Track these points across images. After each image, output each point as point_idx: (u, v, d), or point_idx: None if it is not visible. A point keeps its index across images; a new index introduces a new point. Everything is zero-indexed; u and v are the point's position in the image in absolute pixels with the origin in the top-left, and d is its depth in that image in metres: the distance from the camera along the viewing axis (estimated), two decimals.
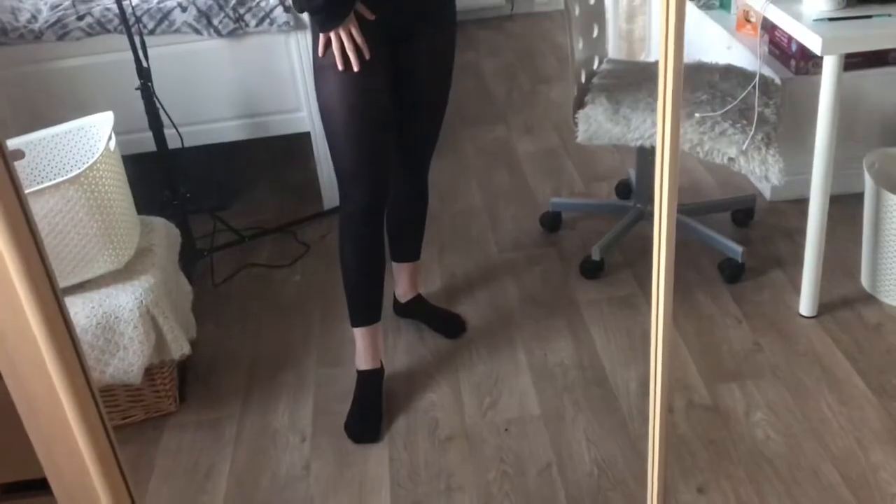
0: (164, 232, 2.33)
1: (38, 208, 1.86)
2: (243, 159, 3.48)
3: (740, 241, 2.51)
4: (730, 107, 2.26)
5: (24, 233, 0.85)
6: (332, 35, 1.77)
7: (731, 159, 2.21)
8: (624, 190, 2.92)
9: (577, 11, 2.40)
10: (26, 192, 1.94)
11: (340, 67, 1.78)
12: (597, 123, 2.28)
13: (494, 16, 4.88)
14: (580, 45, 2.44)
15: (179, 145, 2.75)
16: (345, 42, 1.77)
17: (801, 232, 2.29)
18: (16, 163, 2.14)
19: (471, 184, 3.18)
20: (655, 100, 2.31)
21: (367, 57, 1.79)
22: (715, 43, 3.24)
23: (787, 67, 2.71)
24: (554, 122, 3.59)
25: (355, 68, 1.78)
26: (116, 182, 2.05)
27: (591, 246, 2.55)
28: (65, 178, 1.88)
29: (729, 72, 2.52)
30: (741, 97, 2.29)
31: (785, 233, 2.66)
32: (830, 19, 1.80)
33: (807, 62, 2.65)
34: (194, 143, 2.90)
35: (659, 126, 1.11)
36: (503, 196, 3.07)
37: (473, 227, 2.89)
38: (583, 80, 2.49)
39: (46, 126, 2.28)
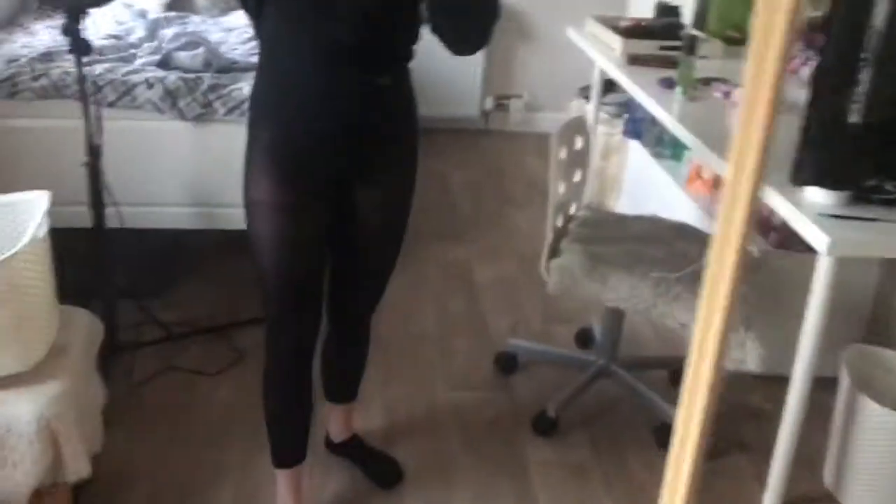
0: (85, 327, 2.09)
1: None
2: (183, 246, 3.24)
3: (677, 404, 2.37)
4: (688, 270, 2.16)
5: None
6: None
7: (682, 325, 2.09)
8: (584, 339, 2.78)
9: (562, 154, 2.31)
10: None
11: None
12: (571, 277, 2.15)
13: (468, 128, 4.83)
14: (561, 189, 2.33)
15: (118, 225, 2.53)
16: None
17: (764, 413, 2.17)
18: None
19: (425, 305, 3.01)
20: (634, 258, 2.22)
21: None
22: (663, 193, 3.21)
23: (763, 238, 2.65)
24: (517, 250, 3.47)
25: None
26: (39, 273, 1.82)
27: (547, 398, 2.38)
28: None
29: (684, 230, 2.44)
30: (700, 261, 2.19)
31: (742, 409, 2.53)
32: (835, 216, 1.72)
33: (784, 237, 2.59)
34: (136, 224, 2.69)
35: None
36: (458, 325, 2.90)
37: (423, 357, 2.70)
38: (559, 223, 2.37)
39: None
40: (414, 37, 1.64)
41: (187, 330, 2.70)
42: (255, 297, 2.81)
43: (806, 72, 2.79)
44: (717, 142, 2.21)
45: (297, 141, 1.61)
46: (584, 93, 4.03)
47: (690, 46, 2.61)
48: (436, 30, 1.55)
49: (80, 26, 2.16)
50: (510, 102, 4.88)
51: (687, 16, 3.47)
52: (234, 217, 2.79)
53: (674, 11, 3.34)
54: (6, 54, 2.71)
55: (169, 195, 2.72)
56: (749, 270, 2.31)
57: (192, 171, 2.71)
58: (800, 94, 2.60)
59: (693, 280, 2.11)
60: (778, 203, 1.84)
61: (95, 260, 2.47)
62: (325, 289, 1.82)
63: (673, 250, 2.28)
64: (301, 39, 1.56)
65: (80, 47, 2.17)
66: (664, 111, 2.51)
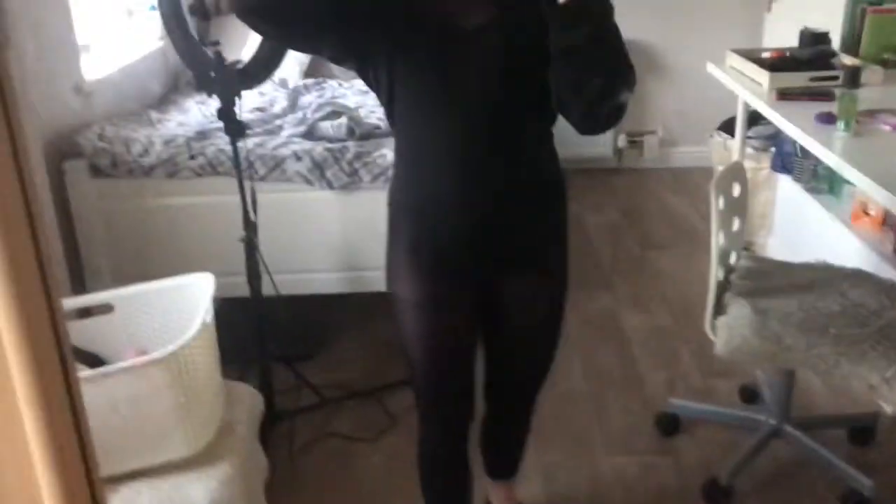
0: (248, 403, 2.13)
1: (114, 390, 1.68)
2: (333, 309, 3.28)
3: (862, 467, 2.17)
4: (874, 325, 1.99)
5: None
6: None
7: (871, 387, 1.92)
8: (749, 394, 2.61)
9: (721, 204, 2.19)
10: (105, 369, 1.79)
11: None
12: (741, 337, 2.02)
13: (600, 167, 4.72)
14: (721, 240, 2.21)
15: (273, 293, 2.59)
16: None
17: None
18: (103, 317, 1.99)
19: (574, 362, 2.92)
20: (807, 314, 2.07)
21: None
22: (825, 233, 3.00)
23: None
24: (665, 296, 3.34)
25: None
26: (207, 358, 1.87)
27: (716, 462, 2.24)
28: (151, 357, 1.71)
29: (859, 277, 2.25)
30: (890, 314, 2.00)
31: None
32: None
33: None
34: (289, 292, 2.74)
35: None
36: (611, 382, 2.80)
37: (577, 418, 2.61)
38: (720, 276, 2.25)
39: (141, 270, 2.16)
40: (547, 115, 1.53)
41: (340, 394, 2.73)
42: (401, 360, 2.84)
43: None
44: (889, 177, 2.05)
45: (439, 240, 1.54)
46: (726, 127, 3.87)
47: (851, 78, 2.44)
48: (562, 108, 1.44)
49: (235, 108, 2.23)
50: (644, 139, 4.75)
51: (836, 41, 3.28)
52: (379, 280, 2.83)
53: (822, 39, 3.15)
54: (164, 135, 2.85)
55: (318, 262, 2.78)
56: None
57: (340, 237, 2.75)
58: None
59: (879, 336, 1.94)
60: None
61: (252, 329, 2.54)
62: (480, 377, 1.78)
63: (849, 301, 2.11)
64: (435, 129, 1.50)
65: (236, 129, 2.24)
66: (826, 149, 2.36)
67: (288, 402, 2.65)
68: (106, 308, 2.05)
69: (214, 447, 1.90)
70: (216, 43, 2.21)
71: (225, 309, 2.41)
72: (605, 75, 1.35)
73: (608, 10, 1.32)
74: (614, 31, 1.35)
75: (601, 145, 4.66)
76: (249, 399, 2.17)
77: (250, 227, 2.36)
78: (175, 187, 2.69)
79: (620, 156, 4.78)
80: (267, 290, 2.54)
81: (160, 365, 1.72)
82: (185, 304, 2.05)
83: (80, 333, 1.98)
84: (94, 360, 1.94)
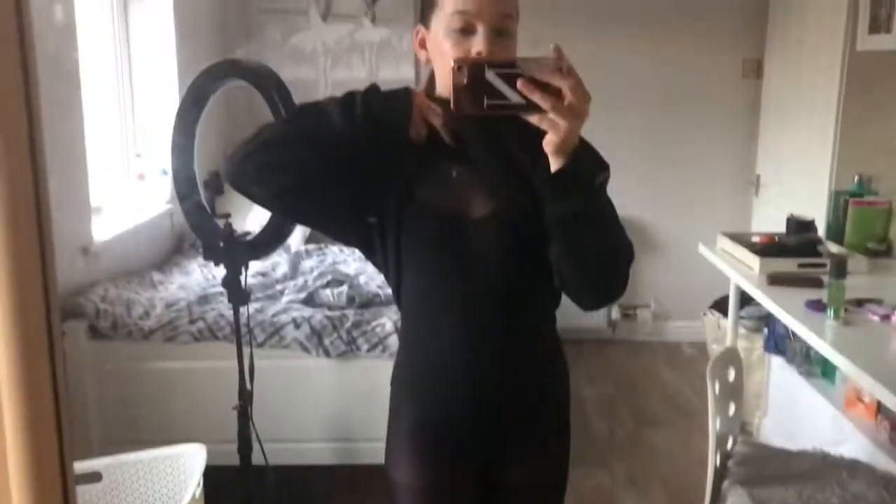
0: None
1: None
2: (324, 480, 3.19)
3: None
4: None
5: None
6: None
7: None
8: None
9: (717, 389, 2.21)
10: None
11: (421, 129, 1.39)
12: None
13: (594, 338, 4.77)
14: (718, 426, 2.21)
15: (262, 462, 2.55)
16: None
17: None
18: (91, 486, 1.94)
19: None
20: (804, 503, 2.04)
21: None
22: (819, 418, 2.99)
23: None
24: (661, 476, 3.28)
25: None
26: None
27: None
28: None
29: (857, 469, 2.23)
30: None
31: None
32: None
33: None
34: (279, 461, 2.69)
35: None
36: None
37: None
38: (717, 463, 2.23)
39: (132, 436, 2.13)
40: (552, 296, 1.53)
41: None
42: None
43: None
44: (882, 370, 2.07)
45: (443, 422, 1.53)
46: (719, 305, 3.94)
47: (838, 268, 2.52)
48: (563, 284, 1.42)
49: (240, 278, 2.29)
50: (637, 312, 4.82)
51: (821, 229, 3.41)
52: (372, 451, 2.78)
53: (808, 226, 3.28)
54: (166, 298, 2.90)
55: (311, 431, 2.75)
56: None
57: (334, 406, 2.74)
58: None
59: None
60: None
61: (240, 499, 2.47)
62: None
63: (849, 494, 2.08)
64: (441, 315, 1.49)
65: (238, 298, 2.28)
66: (818, 338, 2.39)
67: None
68: (94, 476, 2.01)
69: None
70: (227, 215, 2.29)
71: (214, 477, 2.36)
72: (602, 248, 1.35)
73: (601, 182, 1.32)
74: (608, 203, 1.35)
75: (595, 317, 4.72)
76: None
77: (245, 395, 2.36)
78: (173, 351, 2.71)
79: (615, 328, 4.83)
80: (257, 459, 2.50)
81: None
82: (175, 476, 2.02)
83: None
84: None
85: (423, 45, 1.43)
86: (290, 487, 3.10)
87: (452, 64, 1.19)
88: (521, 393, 1.54)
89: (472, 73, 1.17)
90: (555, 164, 1.24)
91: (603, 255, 1.36)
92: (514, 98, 1.16)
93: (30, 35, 0.59)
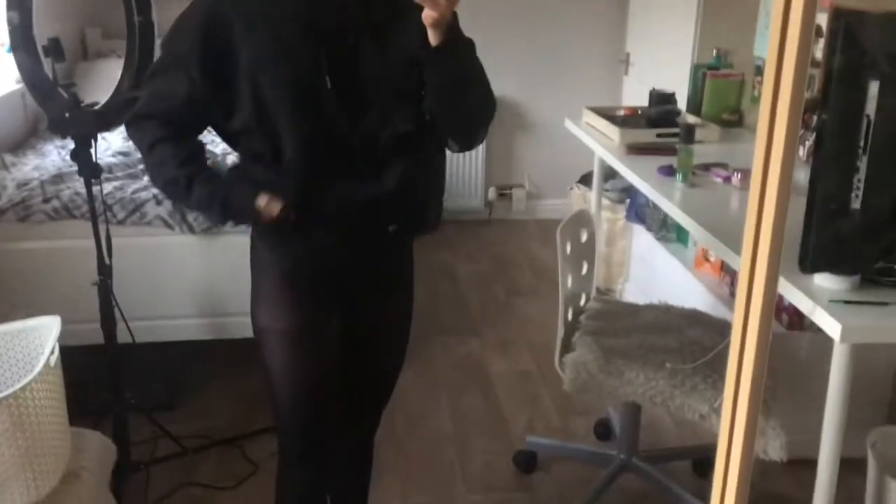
0: (98, 451, 2.06)
1: None
2: (193, 358, 3.22)
3: (706, 497, 2.31)
4: (702, 360, 2.13)
5: None
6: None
7: (702, 416, 2.05)
8: (603, 431, 2.73)
9: (568, 248, 2.32)
10: None
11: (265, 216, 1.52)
12: (587, 373, 2.12)
13: (472, 219, 4.88)
14: (569, 283, 2.33)
15: (130, 341, 2.53)
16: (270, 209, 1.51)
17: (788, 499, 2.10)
18: None
19: (440, 404, 2.97)
20: (647, 350, 2.21)
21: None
22: (672, 278, 3.21)
23: (776, 319, 2.64)
24: (529, 341, 3.45)
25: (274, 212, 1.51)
26: (51, 402, 1.80)
27: (569, 497, 2.33)
28: None
29: (696, 317, 2.42)
30: (716, 350, 2.16)
31: (771, 496, 2.46)
32: (846, 302, 1.71)
33: (801, 318, 2.57)
34: (147, 339, 2.68)
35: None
36: (474, 423, 2.86)
37: (441, 459, 2.65)
38: (569, 317, 2.37)
39: None
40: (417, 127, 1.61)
41: (201, 444, 2.67)
42: (266, 407, 2.81)
43: (802, 151, 2.83)
44: (721, 227, 2.22)
45: (315, 272, 1.63)
46: (585, 180, 4.09)
47: (688, 134, 2.65)
48: (439, 131, 1.58)
49: (90, 150, 2.20)
50: (512, 192, 4.94)
51: (681, 102, 3.54)
52: (244, 325, 2.80)
53: (669, 99, 3.40)
54: (18, 178, 2.77)
55: (179, 308, 2.74)
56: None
57: (201, 282, 2.72)
58: (800, 174, 2.65)
59: (709, 370, 2.08)
60: (789, 291, 1.83)
61: (107, 377, 2.46)
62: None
63: (686, 339, 2.26)
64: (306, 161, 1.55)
65: (90, 171, 2.21)
66: (665, 199, 2.53)
67: (146, 453, 2.58)
68: None
69: (58, 494, 1.83)
70: (72, 84, 2.19)
71: (80, 358, 2.34)
72: (476, 101, 1.56)
73: (472, 48, 1.50)
74: (479, 66, 1.54)
75: (472, 197, 4.82)
76: (100, 447, 2.09)
77: (105, 269, 2.31)
78: (27, 231, 2.61)
79: (491, 208, 4.94)
80: (124, 337, 2.48)
81: None
82: (29, 349, 1.98)
83: None
84: None
85: None
86: (167, 365, 3.11)
87: None
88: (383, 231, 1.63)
89: None
90: (434, 37, 1.41)
91: (475, 109, 1.58)
92: None
93: None
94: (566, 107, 4.43)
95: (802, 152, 2.84)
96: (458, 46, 1.45)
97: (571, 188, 4.22)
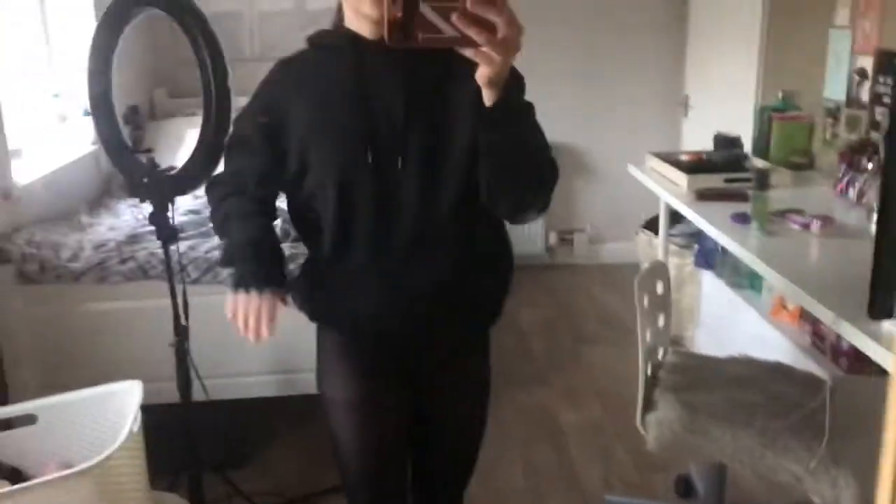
0: None
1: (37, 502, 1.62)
2: (263, 414, 3.22)
3: None
4: (795, 417, 2.06)
5: None
6: (239, 297, 1.50)
7: (798, 479, 1.97)
8: (685, 488, 2.65)
9: (645, 302, 2.27)
10: (25, 485, 1.72)
11: (241, 328, 1.50)
12: (671, 432, 2.06)
13: (533, 264, 4.84)
14: (648, 337, 2.28)
15: (204, 398, 2.55)
16: (249, 314, 1.49)
17: None
18: (25, 429, 1.92)
19: (510, 457, 2.92)
20: (732, 406, 2.14)
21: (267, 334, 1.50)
22: (747, 327, 3.12)
23: (835, 364, 2.55)
24: (599, 391, 3.39)
25: (263, 334, 1.49)
26: (134, 468, 1.82)
27: None
28: (74, 470, 1.66)
29: (780, 371, 2.34)
30: (809, 406, 2.08)
31: None
32: None
33: (861, 362, 2.47)
34: (220, 396, 2.70)
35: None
36: (547, 477, 2.80)
37: None
38: (648, 372, 2.31)
39: (69, 380, 2.11)
40: (477, 215, 1.53)
41: (273, 502, 2.66)
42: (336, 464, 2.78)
43: (852, 193, 2.75)
44: (802, 276, 2.15)
45: (368, 338, 1.60)
46: (651, 225, 4.03)
47: (761, 182, 2.60)
48: (492, 201, 1.45)
49: (167, 214, 2.25)
50: (574, 236, 4.90)
51: (747, 145, 3.49)
52: (313, 382, 2.80)
53: (734, 142, 3.36)
54: (94, 240, 2.83)
55: (250, 365, 2.75)
56: (824, 397, 2.19)
57: (271, 339, 2.72)
58: (849, 214, 2.58)
59: (802, 426, 2.00)
60: (858, 339, 1.77)
61: (183, 435, 2.48)
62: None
63: (771, 394, 2.18)
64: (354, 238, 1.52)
65: (167, 234, 2.25)
66: (743, 248, 2.47)
67: None
68: (28, 419, 1.99)
69: None
70: (149, 150, 2.24)
71: (155, 416, 2.36)
72: (532, 167, 1.41)
73: (530, 110, 1.39)
74: (537, 126, 1.42)
75: (533, 243, 4.80)
76: None
77: (181, 331, 2.34)
78: (105, 292, 2.66)
79: (552, 253, 4.91)
80: (198, 395, 2.50)
81: (84, 478, 1.66)
82: (111, 414, 2.01)
83: (2, 447, 1.92)
84: (15, 475, 1.87)
85: None
86: (239, 422, 3.12)
87: None
88: (444, 304, 1.56)
89: (406, 5, 1.15)
90: (489, 96, 1.27)
91: (533, 176, 1.42)
92: (449, 31, 1.15)
93: None
94: (625, 150, 4.42)
95: (852, 194, 2.76)
96: (516, 107, 1.34)
97: (637, 233, 4.17)
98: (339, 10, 1.53)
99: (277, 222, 2.78)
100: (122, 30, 2.09)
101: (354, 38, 1.45)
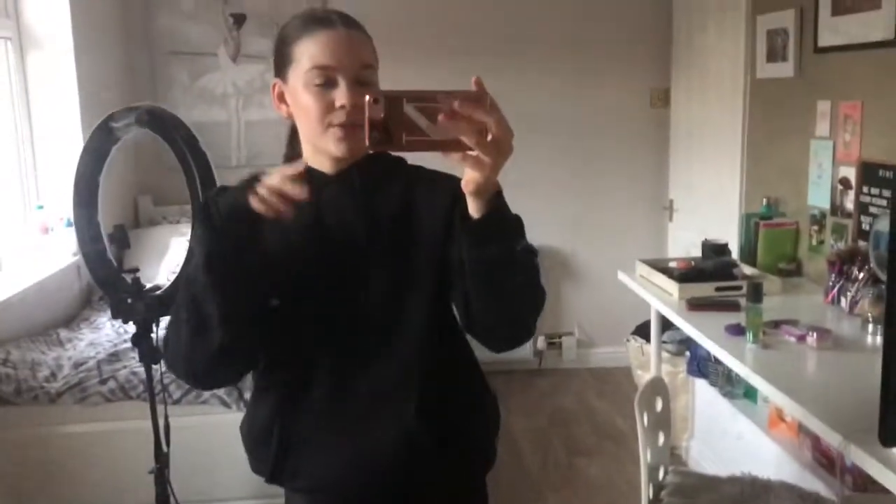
0: None
1: None
2: None
3: None
4: None
5: None
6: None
7: None
8: None
9: (645, 420, 2.21)
10: None
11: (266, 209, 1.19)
12: None
13: (523, 369, 4.76)
14: (649, 457, 2.21)
15: None
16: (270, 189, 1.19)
17: None
18: None
19: None
20: None
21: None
22: (744, 438, 3.05)
23: (841, 481, 2.48)
24: None
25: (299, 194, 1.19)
26: None
27: None
28: None
29: (784, 489, 2.26)
30: None
31: None
32: None
33: (868, 478, 2.40)
34: None
35: None
36: None
37: None
38: (650, 495, 2.22)
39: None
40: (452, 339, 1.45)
41: None
42: None
43: (844, 303, 2.74)
44: (800, 389, 2.11)
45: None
46: (641, 331, 3.99)
47: (755, 292, 2.57)
48: (470, 327, 1.33)
49: (151, 336, 2.18)
50: (562, 340, 4.85)
51: (734, 250, 3.49)
52: None
53: (722, 250, 3.36)
54: (75, 357, 2.75)
55: (233, 489, 2.63)
56: None
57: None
58: (843, 325, 2.55)
59: None
60: (872, 467, 1.71)
61: None
62: None
63: None
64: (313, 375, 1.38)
65: (150, 358, 2.18)
66: (737, 361, 2.43)
67: None
68: None
69: None
70: (135, 269, 2.19)
71: None
72: (522, 289, 1.27)
73: (520, 225, 1.26)
74: (528, 246, 1.27)
75: (522, 348, 4.72)
76: None
77: (162, 458, 2.24)
78: (83, 414, 2.57)
79: (541, 357, 4.84)
80: None
81: None
82: None
83: None
84: None
85: (281, 98, 1.37)
86: None
87: (368, 98, 1.09)
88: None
89: (389, 106, 1.08)
90: (475, 207, 1.16)
91: (523, 296, 1.28)
92: (435, 133, 1.08)
93: None
94: (612, 253, 4.44)
95: (844, 303, 2.75)
96: (504, 218, 1.20)
97: (628, 340, 4.13)
98: (290, 142, 1.44)
99: None
100: (108, 153, 2.07)
101: (310, 171, 1.32)
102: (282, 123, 1.44)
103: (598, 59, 4.65)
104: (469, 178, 1.13)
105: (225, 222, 1.25)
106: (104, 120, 2.12)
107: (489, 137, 1.08)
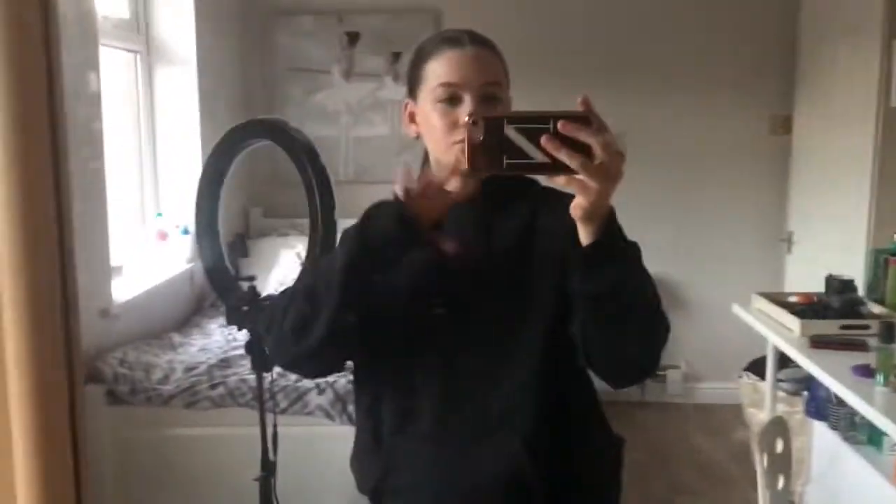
0: None
1: None
2: None
3: None
4: None
5: None
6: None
7: None
8: None
9: (765, 462, 2.08)
10: None
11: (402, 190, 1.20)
12: None
13: (624, 399, 4.61)
14: (768, 502, 2.08)
15: None
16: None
17: None
18: None
19: None
20: None
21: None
22: (866, 487, 2.84)
23: None
24: None
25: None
26: None
27: None
28: None
29: None
30: None
31: None
32: None
33: None
34: None
35: None
36: None
37: None
38: None
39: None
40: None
41: None
42: None
43: None
44: None
45: None
46: (755, 367, 3.82)
47: (888, 334, 2.41)
48: (591, 363, 1.26)
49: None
50: (667, 373, 4.68)
51: (859, 287, 3.29)
52: None
53: (849, 286, 3.17)
54: (187, 361, 2.81)
55: (338, 501, 2.62)
56: None
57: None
58: None
59: None
60: None
61: None
62: None
63: None
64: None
65: (262, 365, 2.20)
66: (866, 404, 2.28)
67: None
68: None
69: None
70: (251, 278, 2.22)
71: None
72: (641, 321, 1.20)
73: (636, 252, 1.19)
74: (646, 273, 1.21)
75: None
76: None
77: (268, 467, 2.25)
78: (192, 418, 2.61)
79: (643, 389, 4.69)
80: None
81: None
82: None
83: None
84: None
85: (412, 119, 1.37)
86: None
87: (467, 118, 1.06)
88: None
89: (489, 128, 1.04)
90: (586, 233, 1.10)
91: (642, 327, 1.20)
92: (538, 156, 1.03)
93: (61, 105, 0.53)
94: (723, 285, 4.26)
95: None
96: (616, 244, 1.13)
97: (740, 376, 3.95)
98: (423, 165, 1.41)
99: None
100: (232, 163, 2.11)
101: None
102: (389, 139, 1.43)
103: (715, 84, 4.50)
104: (576, 203, 1.07)
105: (381, 237, 1.21)
106: (231, 130, 2.17)
107: (595, 160, 1.02)
